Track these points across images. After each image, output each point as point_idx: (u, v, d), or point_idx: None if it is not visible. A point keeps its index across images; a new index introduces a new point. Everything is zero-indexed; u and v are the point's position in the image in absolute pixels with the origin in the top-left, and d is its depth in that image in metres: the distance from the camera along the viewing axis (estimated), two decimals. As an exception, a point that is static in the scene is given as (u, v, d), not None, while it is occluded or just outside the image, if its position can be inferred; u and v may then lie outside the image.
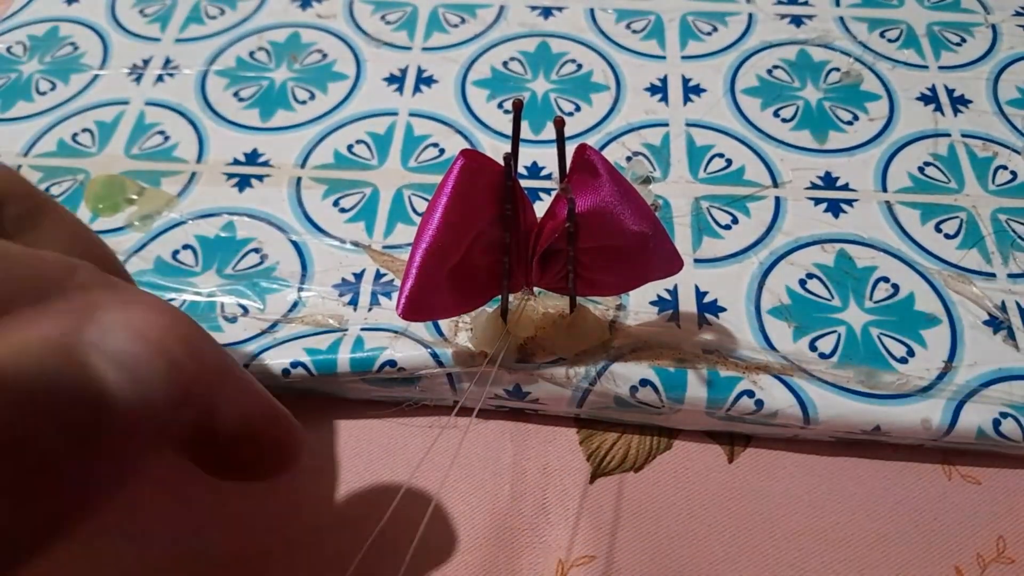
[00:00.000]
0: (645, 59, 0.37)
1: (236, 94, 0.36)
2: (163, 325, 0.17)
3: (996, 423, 0.25)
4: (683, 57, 0.37)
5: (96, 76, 0.37)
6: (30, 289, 0.15)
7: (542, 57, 0.37)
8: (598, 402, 0.27)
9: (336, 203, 0.32)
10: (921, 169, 0.33)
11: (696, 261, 0.30)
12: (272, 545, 0.25)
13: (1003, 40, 0.38)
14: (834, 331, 0.28)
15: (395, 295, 0.28)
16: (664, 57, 0.37)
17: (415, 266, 0.22)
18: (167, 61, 0.37)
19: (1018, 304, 0.28)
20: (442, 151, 0.33)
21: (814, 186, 0.32)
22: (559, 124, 0.22)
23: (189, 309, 0.28)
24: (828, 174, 0.32)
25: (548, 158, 0.33)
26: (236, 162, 0.33)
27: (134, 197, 0.32)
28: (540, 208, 0.24)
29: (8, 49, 0.38)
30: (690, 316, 0.28)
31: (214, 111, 0.35)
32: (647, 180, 0.32)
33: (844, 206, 0.31)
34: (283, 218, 0.31)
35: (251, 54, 0.38)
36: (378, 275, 0.29)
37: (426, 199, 0.32)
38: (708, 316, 0.28)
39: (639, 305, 0.28)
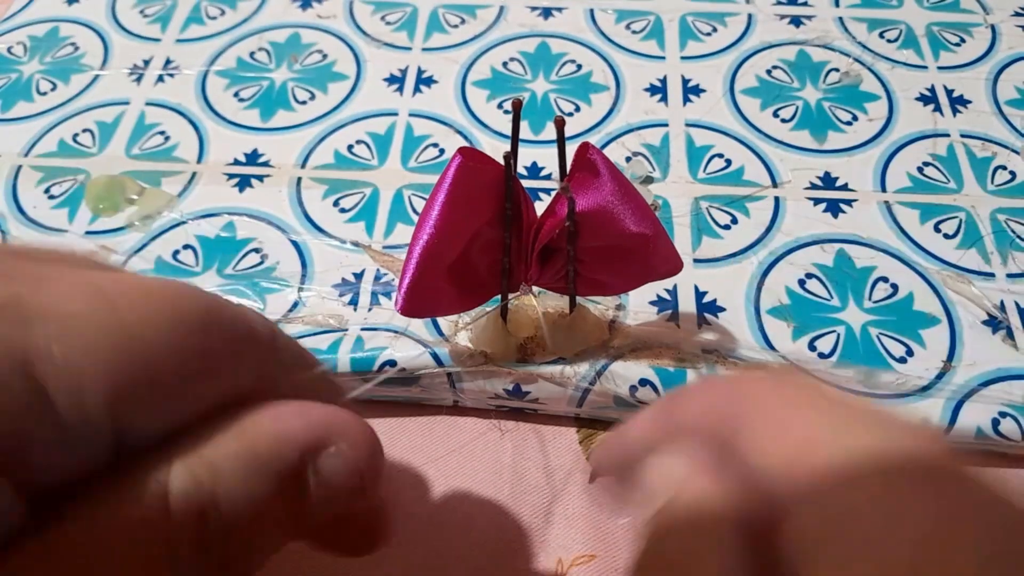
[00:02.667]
0: (645, 59, 0.37)
1: (236, 94, 0.36)
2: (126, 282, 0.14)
3: (995, 423, 0.25)
4: (683, 57, 0.37)
5: (96, 76, 0.37)
6: None
7: (542, 57, 0.37)
8: (598, 402, 0.27)
9: (336, 203, 0.32)
10: (920, 169, 0.33)
11: (696, 261, 0.30)
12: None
13: (1002, 40, 0.38)
14: (833, 331, 0.28)
15: (395, 294, 0.28)
16: (664, 57, 0.37)
17: (412, 263, 0.22)
18: (167, 61, 0.37)
19: (1017, 304, 0.28)
20: (442, 151, 0.34)
21: (813, 186, 0.32)
22: (559, 124, 0.22)
23: (189, 309, 0.28)
24: (827, 174, 0.32)
25: (548, 158, 0.33)
26: (236, 162, 0.33)
27: (135, 197, 0.32)
28: (540, 208, 0.24)
29: (8, 49, 0.38)
30: (690, 316, 0.28)
31: (214, 111, 0.35)
32: (647, 180, 0.32)
33: (843, 206, 0.31)
34: (283, 218, 0.31)
35: (251, 54, 0.38)
36: (378, 275, 0.29)
37: (426, 199, 0.32)
38: (708, 316, 0.28)
39: (639, 305, 0.28)
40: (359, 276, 0.29)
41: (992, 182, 0.32)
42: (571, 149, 0.23)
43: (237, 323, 0.15)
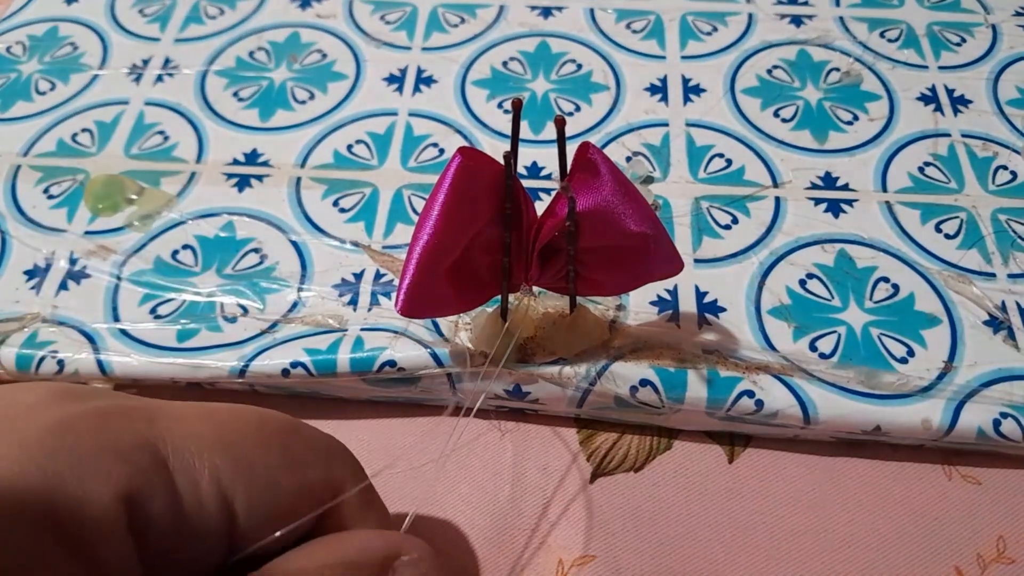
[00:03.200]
0: (645, 59, 0.37)
1: (236, 94, 0.36)
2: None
3: (996, 423, 0.25)
4: (683, 57, 0.37)
5: (96, 76, 0.37)
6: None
7: (542, 57, 0.37)
8: (598, 402, 0.27)
9: (336, 203, 0.32)
10: (921, 169, 0.33)
11: (696, 261, 0.30)
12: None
13: (1003, 40, 0.38)
14: (834, 331, 0.28)
15: (395, 294, 0.28)
16: (664, 57, 0.37)
17: (413, 263, 0.22)
18: (167, 61, 0.37)
19: (1018, 304, 0.28)
20: (442, 151, 0.33)
21: (814, 186, 0.32)
22: (560, 123, 0.22)
23: (189, 309, 0.28)
24: (828, 174, 0.32)
25: (548, 158, 0.33)
26: (236, 162, 0.33)
27: (134, 197, 0.32)
28: (540, 208, 0.24)
29: (8, 49, 0.38)
30: (690, 316, 0.28)
31: (214, 111, 0.35)
32: (648, 180, 0.32)
33: (844, 206, 0.31)
34: (283, 218, 0.31)
35: (251, 54, 0.38)
36: (378, 275, 0.29)
37: (426, 199, 0.31)
38: (708, 316, 0.28)
39: (639, 305, 0.28)
40: (359, 276, 0.29)
41: (993, 182, 0.32)
42: (571, 149, 0.23)
43: (316, 435, 0.20)
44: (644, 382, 0.26)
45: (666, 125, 0.34)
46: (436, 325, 0.28)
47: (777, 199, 0.32)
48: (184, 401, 0.19)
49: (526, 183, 0.32)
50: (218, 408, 0.18)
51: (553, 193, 0.25)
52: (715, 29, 0.38)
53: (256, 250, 0.30)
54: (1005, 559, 0.25)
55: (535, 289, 0.26)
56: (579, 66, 0.37)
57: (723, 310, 0.28)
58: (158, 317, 0.28)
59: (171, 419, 0.17)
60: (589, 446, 0.27)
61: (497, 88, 0.36)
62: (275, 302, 0.29)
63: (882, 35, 0.38)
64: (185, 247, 0.30)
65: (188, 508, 0.16)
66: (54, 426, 0.16)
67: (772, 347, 0.27)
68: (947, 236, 0.30)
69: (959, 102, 0.35)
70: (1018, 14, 0.39)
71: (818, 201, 0.31)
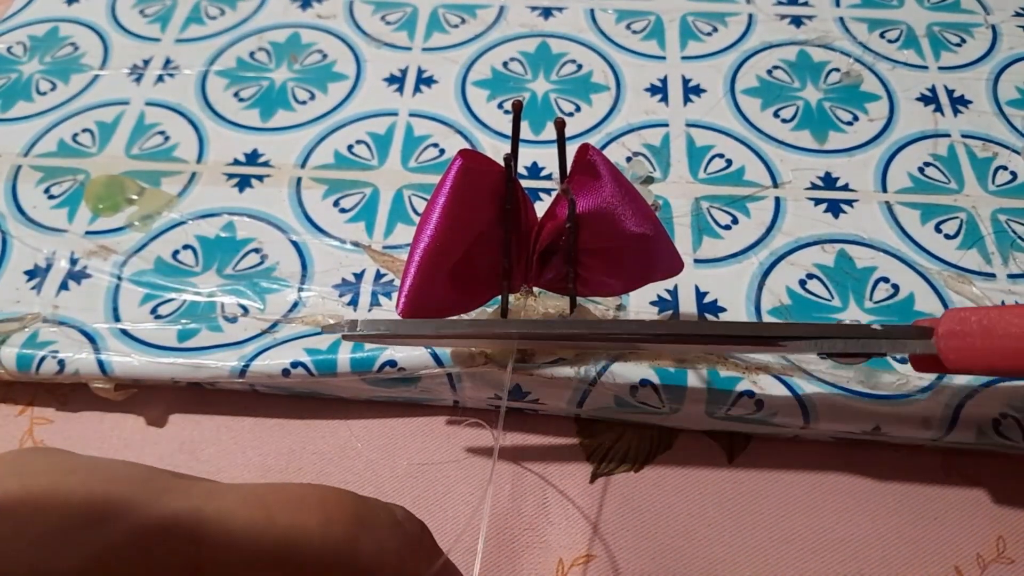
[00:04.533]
0: (645, 59, 0.37)
1: (236, 94, 0.36)
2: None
3: (996, 423, 0.25)
4: (683, 57, 0.37)
5: (96, 76, 0.37)
6: None
7: (542, 57, 0.37)
8: (598, 402, 0.27)
9: (336, 203, 0.32)
10: (921, 169, 0.33)
11: (696, 261, 0.30)
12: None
13: (1003, 40, 0.38)
14: (834, 331, 0.28)
15: (395, 295, 0.28)
16: (664, 57, 0.37)
17: (414, 265, 0.22)
18: (167, 61, 0.37)
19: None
20: (442, 151, 0.33)
21: (814, 186, 0.32)
22: (560, 125, 0.22)
23: (189, 309, 0.28)
24: (828, 174, 0.32)
25: (548, 158, 0.33)
26: (236, 162, 0.33)
27: (134, 197, 0.32)
28: (540, 209, 0.24)
29: (8, 49, 0.38)
30: (690, 316, 0.28)
31: (214, 111, 0.35)
32: (648, 180, 0.32)
33: (844, 206, 0.31)
34: (283, 218, 0.31)
35: (251, 54, 0.38)
36: (378, 275, 0.29)
37: (426, 199, 0.32)
38: (708, 316, 0.28)
39: (639, 305, 0.28)
40: (359, 276, 0.29)
41: (993, 182, 0.32)
42: (571, 150, 0.23)
43: (384, 523, 0.18)
44: (644, 382, 0.26)
45: (666, 125, 0.34)
46: (436, 325, 0.28)
47: (777, 199, 0.32)
48: (234, 487, 0.17)
49: (526, 183, 0.32)
50: (278, 494, 0.17)
51: (553, 194, 0.25)
52: (715, 30, 0.38)
53: (256, 250, 0.30)
54: (1005, 559, 0.25)
55: (535, 289, 0.26)
56: (579, 66, 0.37)
57: (723, 310, 0.28)
58: (159, 317, 0.28)
59: (220, 531, 0.15)
60: (589, 446, 0.27)
61: (497, 88, 0.36)
62: (275, 302, 0.29)
63: (882, 35, 0.38)
64: (186, 247, 0.30)
65: None
66: (88, 566, 0.14)
67: (772, 347, 0.27)
68: (947, 236, 0.30)
69: (959, 102, 0.35)
70: (1018, 14, 0.39)
71: (818, 201, 0.31)
